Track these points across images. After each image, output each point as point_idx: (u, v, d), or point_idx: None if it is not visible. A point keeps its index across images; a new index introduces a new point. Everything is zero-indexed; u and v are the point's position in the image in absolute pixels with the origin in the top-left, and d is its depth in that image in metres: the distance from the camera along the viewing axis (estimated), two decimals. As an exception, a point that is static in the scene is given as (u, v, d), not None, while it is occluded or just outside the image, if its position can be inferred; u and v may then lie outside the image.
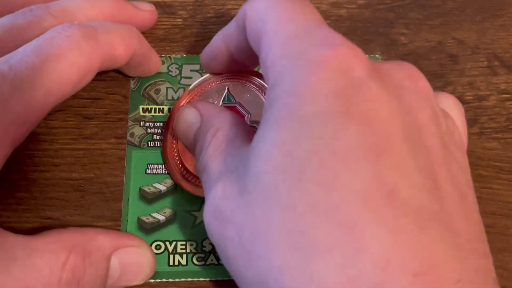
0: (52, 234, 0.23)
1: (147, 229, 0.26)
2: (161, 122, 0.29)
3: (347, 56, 0.19)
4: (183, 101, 0.28)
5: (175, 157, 0.27)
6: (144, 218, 0.26)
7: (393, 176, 0.17)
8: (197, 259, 0.25)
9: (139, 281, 0.24)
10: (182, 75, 0.30)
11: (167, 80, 0.30)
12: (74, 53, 0.24)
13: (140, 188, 0.27)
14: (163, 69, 0.30)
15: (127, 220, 0.26)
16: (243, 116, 0.27)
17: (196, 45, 0.31)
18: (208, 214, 0.20)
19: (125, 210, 0.26)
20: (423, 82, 0.21)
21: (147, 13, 0.30)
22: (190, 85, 0.30)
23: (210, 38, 0.31)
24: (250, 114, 0.26)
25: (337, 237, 0.16)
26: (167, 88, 0.30)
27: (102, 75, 0.30)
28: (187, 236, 0.26)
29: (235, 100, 0.27)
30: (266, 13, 0.21)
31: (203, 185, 0.22)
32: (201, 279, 0.25)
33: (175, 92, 0.30)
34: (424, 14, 0.33)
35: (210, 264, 0.25)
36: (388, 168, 0.17)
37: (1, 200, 0.26)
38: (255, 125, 0.26)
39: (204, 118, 0.23)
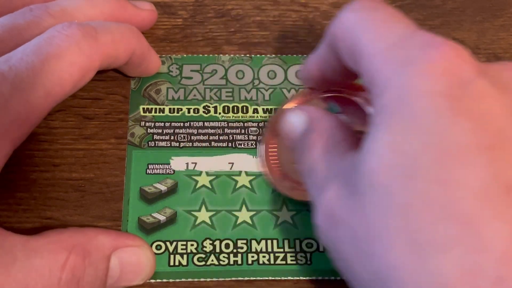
0: (52, 234, 0.23)
1: (148, 229, 0.26)
2: (161, 122, 0.29)
3: (452, 56, 0.19)
4: (288, 104, 0.28)
5: (274, 160, 0.27)
6: (144, 218, 0.26)
7: (508, 172, 0.17)
8: (197, 260, 0.25)
9: (139, 281, 0.24)
10: (183, 75, 0.30)
11: (167, 80, 0.30)
12: (74, 53, 0.24)
13: (140, 188, 0.27)
14: (164, 69, 0.30)
15: (127, 220, 0.26)
16: None
17: (196, 45, 0.31)
18: (320, 216, 0.20)
19: (126, 210, 0.26)
20: None
21: (147, 12, 0.31)
22: (190, 85, 0.30)
23: (210, 38, 0.32)
24: (354, 124, 0.26)
25: (455, 234, 0.17)
26: (167, 88, 0.30)
27: (102, 75, 0.30)
28: (187, 236, 0.26)
29: (339, 111, 0.27)
30: (357, 28, 0.21)
31: (308, 187, 0.22)
32: (202, 279, 0.25)
33: (176, 92, 0.30)
34: (424, 14, 0.33)
35: (210, 265, 0.25)
36: (503, 163, 0.17)
37: (1, 200, 0.26)
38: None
39: (310, 120, 0.24)
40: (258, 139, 0.28)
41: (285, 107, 0.28)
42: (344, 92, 0.27)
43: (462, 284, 0.16)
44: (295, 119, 0.24)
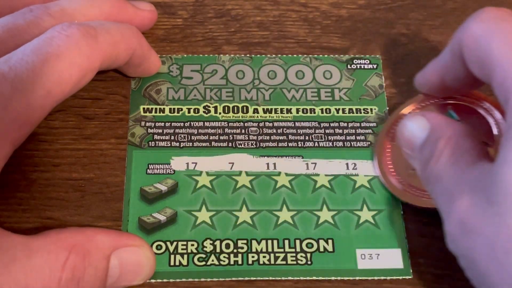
0: (52, 234, 0.23)
1: (148, 229, 0.26)
2: (162, 122, 0.29)
3: None
4: (405, 109, 0.28)
5: (390, 165, 0.27)
6: (145, 218, 0.26)
7: None
8: (198, 260, 0.25)
9: (139, 281, 0.24)
10: (183, 75, 0.30)
11: (168, 80, 0.30)
12: (74, 53, 0.24)
13: (141, 188, 0.27)
14: (164, 69, 0.30)
15: (127, 220, 0.26)
16: None
17: (196, 45, 0.31)
18: (453, 226, 0.20)
19: (126, 210, 0.26)
20: None
21: (147, 13, 0.30)
22: (190, 85, 0.30)
23: (210, 38, 0.32)
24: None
25: None
26: (167, 88, 0.30)
27: (102, 75, 0.30)
28: (188, 236, 0.26)
29: (458, 119, 0.27)
30: (490, 38, 0.21)
31: (434, 195, 0.22)
32: (202, 279, 0.25)
33: (176, 92, 0.30)
34: (424, 14, 0.33)
35: (211, 265, 0.25)
36: None
37: (1, 200, 0.26)
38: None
39: (434, 127, 0.24)
40: (372, 142, 0.28)
41: (402, 112, 0.28)
42: (463, 100, 0.27)
43: None
44: (416, 125, 0.24)
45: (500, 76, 0.21)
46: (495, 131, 0.26)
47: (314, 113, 0.29)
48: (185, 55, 0.31)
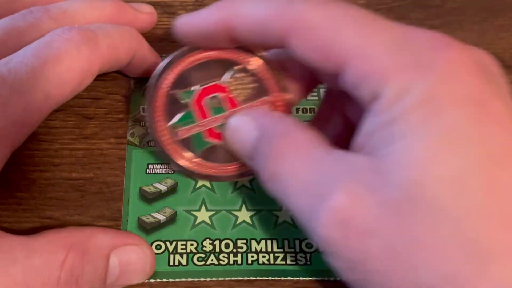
0: (51, 233, 0.23)
1: (148, 229, 0.26)
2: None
3: (463, 57, 0.19)
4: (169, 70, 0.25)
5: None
6: (144, 218, 0.26)
7: None
8: (197, 259, 0.25)
9: (138, 280, 0.24)
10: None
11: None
12: (74, 56, 0.24)
13: (140, 188, 0.27)
14: (163, 69, 0.30)
15: (127, 220, 0.26)
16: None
17: (196, 45, 0.31)
18: (329, 227, 0.19)
19: (125, 210, 0.26)
20: (497, 65, 0.22)
21: (146, 15, 0.31)
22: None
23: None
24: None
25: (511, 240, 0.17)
26: (167, 88, 0.30)
27: (102, 75, 0.30)
28: (187, 236, 0.26)
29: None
30: (335, 27, 0.20)
31: (286, 197, 0.21)
32: (201, 279, 0.25)
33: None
34: (424, 14, 0.33)
35: (210, 264, 0.25)
36: None
37: (1, 200, 0.26)
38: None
39: (264, 125, 0.22)
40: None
41: (165, 74, 0.25)
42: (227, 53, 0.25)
43: None
44: (243, 128, 0.23)
45: (360, 68, 0.20)
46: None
47: (314, 113, 0.29)
48: (185, 55, 0.31)
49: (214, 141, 0.25)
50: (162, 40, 0.31)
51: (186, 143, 0.25)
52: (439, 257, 0.18)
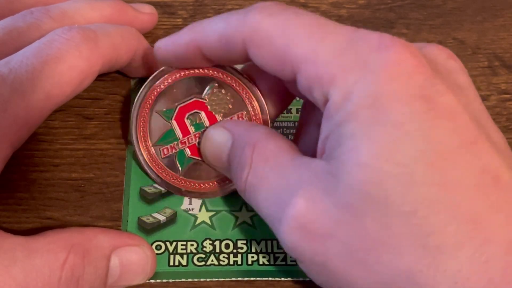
0: (51, 234, 0.23)
1: (148, 229, 0.26)
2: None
3: (409, 56, 0.19)
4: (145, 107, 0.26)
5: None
6: (144, 219, 0.26)
7: (492, 162, 0.18)
8: (197, 260, 0.25)
9: (139, 280, 0.24)
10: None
11: (167, 80, 0.30)
12: (74, 56, 0.24)
13: (140, 188, 0.27)
14: (163, 69, 0.30)
15: (127, 221, 0.26)
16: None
17: (196, 45, 0.31)
18: (291, 233, 0.20)
19: (125, 210, 0.26)
20: (458, 59, 0.22)
21: (147, 15, 0.31)
22: None
23: (210, 38, 0.31)
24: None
25: (464, 232, 0.18)
26: (167, 88, 0.30)
27: (102, 75, 0.30)
28: (187, 237, 0.26)
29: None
30: (287, 34, 0.21)
31: (258, 204, 0.21)
32: (202, 279, 0.25)
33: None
34: (424, 14, 0.33)
35: (210, 265, 0.25)
36: (486, 155, 0.18)
37: (1, 200, 0.26)
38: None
39: (236, 135, 0.23)
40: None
41: (147, 94, 0.26)
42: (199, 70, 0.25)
43: (479, 276, 0.17)
44: (218, 137, 0.24)
45: (310, 72, 0.20)
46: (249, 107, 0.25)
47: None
48: (185, 55, 0.31)
49: (197, 157, 0.26)
50: (162, 40, 0.31)
51: (170, 161, 0.26)
52: (394, 254, 0.18)
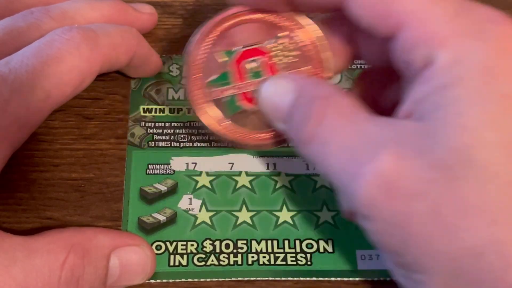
0: (51, 234, 0.23)
1: (148, 229, 0.26)
2: (161, 122, 0.29)
3: None
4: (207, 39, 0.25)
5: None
6: (144, 219, 0.26)
7: None
8: (197, 260, 0.25)
9: (139, 280, 0.24)
10: (183, 75, 0.30)
11: (168, 80, 0.30)
12: (74, 56, 0.24)
13: (140, 189, 0.27)
14: (164, 69, 0.30)
15: (127, 221, 0.26)
16: None
17: (196, 45, 0.31)
18: (370, 188, 0.19)
19: (126, 211, 0.26)
20: None
21: (147, 15, 0.31)
22: None
23: (210, 38, 0.31)
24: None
25: None
26: (168, 88, 0.30)
27: (102, 75, 0.29)
28: (187, 237, 0.26)
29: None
30: None
31: (322, 156, 0.20)
32: (202, 279, 0.25)
33: (176, 92, 0.30)
34: (424, 14, 0.33)
35: (210, 265, 0.25)
36: None
37: (1, 200, 0.26)
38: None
39: (303, 87, 0.22)
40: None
41: (208, 32, 0.25)
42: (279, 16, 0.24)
43: None
44: (280, 87, 0.23)
45: (419, 31, 0.20)
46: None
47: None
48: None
49: (247, 106, 0.25)
50: (162, 40, 0.31)
51: (219, 104, 0.25)
52: (487, 222, 0.18)
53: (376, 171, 0.19)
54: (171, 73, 0.30)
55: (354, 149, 0.20)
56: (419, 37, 0.20)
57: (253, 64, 0.25)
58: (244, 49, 0.25)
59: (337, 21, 0.22)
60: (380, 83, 0.22)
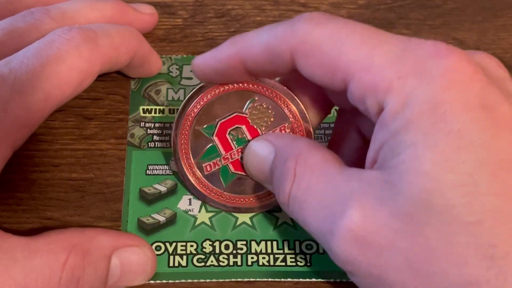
0: (52, 234, 0.23)
1: (147, 230, 0.26)
2: (161, 123, 0.29)
3: (464, 64, 0.19)
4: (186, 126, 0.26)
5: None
6: (144, 219, 0.26)
7: None
8: (197, 261, 0.25)
9: (140, 281, 0.24)
10: (183, 75, 0.30)
11: (167, 80, 0.30)
12: (74, 57, 0.24)
13: (140, 189, 0.27)
14: (164, 69, 0.30)
15: (127, 221, 0.26)
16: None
17: (196, 45, 0.31)
18: (346, 245, 0.19)
19: (125, 211, 0.26)
20: (505, 68, 0.22)
21: (147, 16, 0.31)
22: (190, 86, 0.30)
23: (210, 38, 0.31)
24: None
25: None
26: (167, 88, 0.30)
27: (102, 76, 0.29)
28: (187, 237, 0.26)
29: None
30: (339, 43, 0.20)
31: (303, 216, 0.21)
32: (201, 280, 0.25)
33: (176, 92, 0.30)
34: (424, 14, 0.33)
35: (210, 266, 0.25)
36: None
37: (1, 200, 0.26)
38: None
39: (279, 147, 0.23)
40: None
41: (187, 111, 0.25)
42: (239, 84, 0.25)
43: None
44: (261, 150, 0.24)
45: (365, 81, 0.20)
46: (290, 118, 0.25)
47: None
48: (185, 56, 0.31)
49: (240, 172, 0.26)
50: (162, 40, 0.31)
51: (214, 177, 0.26)
52: (458, 264, 0.18)
53: (347, 227, 0.19)
54: (171, 73, 0.30)
55: (326, 205, 0.20)
56: (366, 86, 0.20)
57: (236, 132, 0.26)
58: (224, 119, 0.26)
59: (303, 77, 0.22)
60: (360, 116, 0.22)
